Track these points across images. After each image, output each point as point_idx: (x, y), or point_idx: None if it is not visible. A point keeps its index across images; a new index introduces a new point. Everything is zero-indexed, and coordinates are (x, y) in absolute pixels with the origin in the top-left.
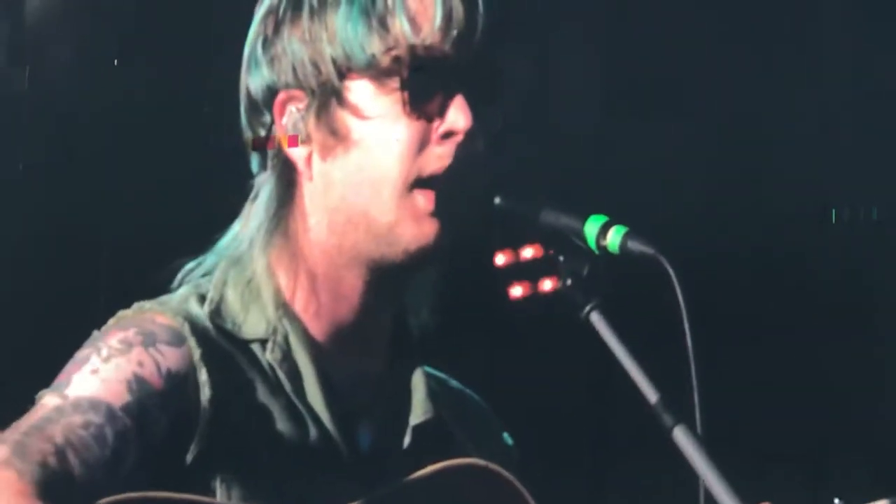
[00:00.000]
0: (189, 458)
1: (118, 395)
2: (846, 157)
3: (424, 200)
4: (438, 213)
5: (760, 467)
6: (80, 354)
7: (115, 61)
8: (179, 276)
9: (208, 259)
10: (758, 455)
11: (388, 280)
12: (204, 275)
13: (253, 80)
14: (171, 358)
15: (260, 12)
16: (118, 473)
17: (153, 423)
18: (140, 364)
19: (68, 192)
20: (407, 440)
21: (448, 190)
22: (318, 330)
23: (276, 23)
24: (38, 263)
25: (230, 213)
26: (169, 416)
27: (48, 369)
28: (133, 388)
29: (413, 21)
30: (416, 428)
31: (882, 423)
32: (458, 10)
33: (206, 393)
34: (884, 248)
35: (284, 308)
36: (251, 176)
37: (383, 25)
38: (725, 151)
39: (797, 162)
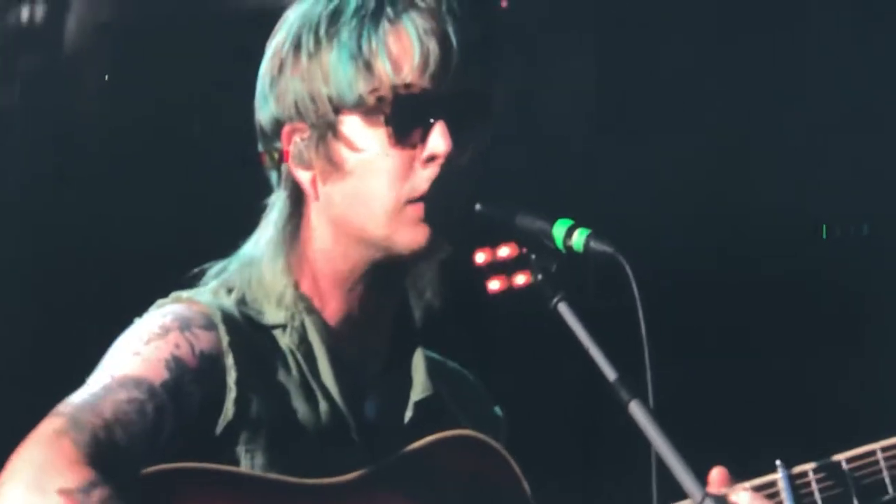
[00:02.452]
0: (218, 430)
1: (158, 374)
2: (837, 174)
3: (415, 211)
4: (428, 220)
5: None
6: (124, 338)
7: (106, 76)
8: (207, 276)
9: (232, 262)
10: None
11: (387, 277)
12: (230, 274)
13: (263, 114)
14: (203, 340)
15: (268, 54)
16: (157, 443)
17: (188, 397)
18: (177, 346)
19: (60, 208)
20: (409, 414)
21: (435, 202)
22: (329, 318)
23: (281, 63)
24: (31, 277)
25: (221, 226)
26: (201, 392)
27: (43, 381)
28: (171, 367)
29: (394, 63)
30: (417, 404)
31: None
32: (434, 49)
33: (232, 375)
34: (874, 264)
35: (300, 299)
36: (245, 192)
37: (368, 68)
38: (715, 166)
39: (788, 178)
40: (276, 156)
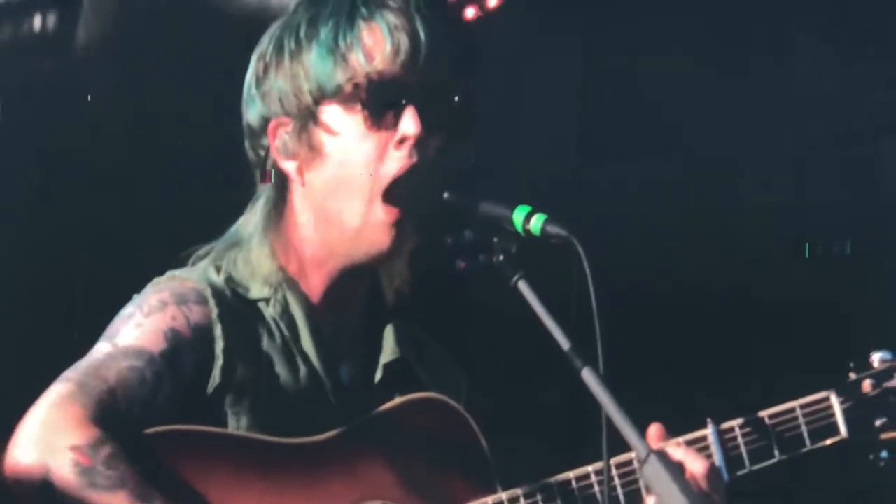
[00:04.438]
0: (208, 393)
1: (156, 344)
2: (820, 193)
3: (385, 214)
4: (397, 225)
5: None
6: (126, 311)
7: (88, 97)
8: (193, 258)
9: (219, 244)
10: None
11: (359, 265)
12: (217, 255)
13: (250, 113)
14: (196, 313)
15: (253, 60)
16: (155, 407)
17: (183, 365)
18: (173, 318)
19: (41, 224)
20: (378, 376)
21: (410, 197)
22: (309, 293)
23: (265, 66)
24: (14, 292)
25: (204, 239)
26: (194, 360)
27: (27, 391)
28: (168, 338)
29: (367, 54)
30: (386, 366)
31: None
32: (404, 40)
33: (220, 344)
34: (857, 282)
35: (283, 275)
36: (227, 207)
37: (344, 60)
38: (700, 188)
39: (771, 197)
40: (262, 153)
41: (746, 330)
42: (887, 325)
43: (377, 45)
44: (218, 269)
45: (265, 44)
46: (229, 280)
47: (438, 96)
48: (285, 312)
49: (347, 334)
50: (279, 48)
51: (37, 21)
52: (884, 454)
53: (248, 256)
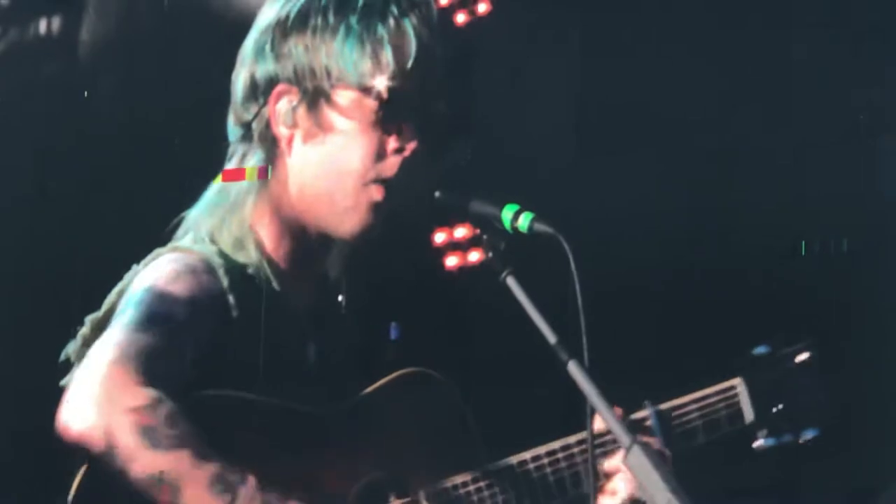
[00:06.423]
0: (221, 361)
1: (179, 311)
2: (816, 190)
3: (377, 192)
4: (386, 204)
5: None
6: (144, 281)
7: (86, 93)
8: (182, 226)
9: (193, 211)
10: None
11: (333, 242)
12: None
13: (260, 69)
14: (208, 283)
15: (268, 19)
16: (183, 375)
17: (203, 333)
18: (190, 288)
19: (38, 223)
20: (343, 356)
21: (398, 189)
22: (285, 268)
23: (285, 31)
24: (13, 292)
25: None
26: (211, 328)
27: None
28: (188, 306)
29: (395, 55)
30: (351, 346)
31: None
32: (426, 50)
33: (234, 312)
34: (854, 281)
35: (262, 251)
36: None
37: (373, 55)
38: (696, 185)
39: (768, 195)
40: (253, 110)
41: (743, 327)
42: (887, 323)
43: (405, 49)
44: (212, 241)
45: (284, 9)
46: (220, 253)
47: (443, 104)
48: (269, 285)
49: (309, 312)
50: (303, 20)
51: (39, 23)
52: (810, 433)
53: (233, 227)
